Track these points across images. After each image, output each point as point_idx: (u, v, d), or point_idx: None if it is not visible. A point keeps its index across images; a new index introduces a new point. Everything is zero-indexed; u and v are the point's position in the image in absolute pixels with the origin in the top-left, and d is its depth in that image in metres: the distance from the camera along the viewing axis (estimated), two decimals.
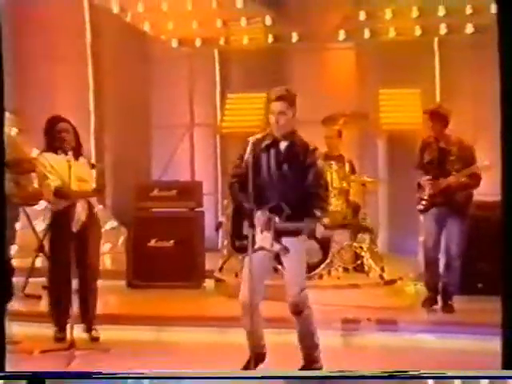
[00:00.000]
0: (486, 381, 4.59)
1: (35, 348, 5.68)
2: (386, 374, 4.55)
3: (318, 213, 4.69)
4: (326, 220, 4.89)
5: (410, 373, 4.60)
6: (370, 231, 7.97)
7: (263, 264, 4.81)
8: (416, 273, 7.49)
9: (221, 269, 8.02)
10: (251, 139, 4.73)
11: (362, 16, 9.20)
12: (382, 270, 7.72)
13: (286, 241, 4.74)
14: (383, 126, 9.48)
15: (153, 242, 7.93)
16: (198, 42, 9.79)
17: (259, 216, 4.72)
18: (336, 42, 9.64)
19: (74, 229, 5.75)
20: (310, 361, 4.92)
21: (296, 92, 10.03)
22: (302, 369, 4.92)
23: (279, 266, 5.08)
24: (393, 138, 9.60)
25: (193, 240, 7.95)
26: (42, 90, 9.90)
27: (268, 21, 9.44)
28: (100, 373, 4.65)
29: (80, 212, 5.84)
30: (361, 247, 7.84)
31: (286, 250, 4.75)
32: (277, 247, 4.73)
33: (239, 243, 4.88)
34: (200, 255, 8.03)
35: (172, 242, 7.91)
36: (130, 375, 4.60)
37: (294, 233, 4.71)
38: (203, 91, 10.22)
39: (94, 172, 6.14)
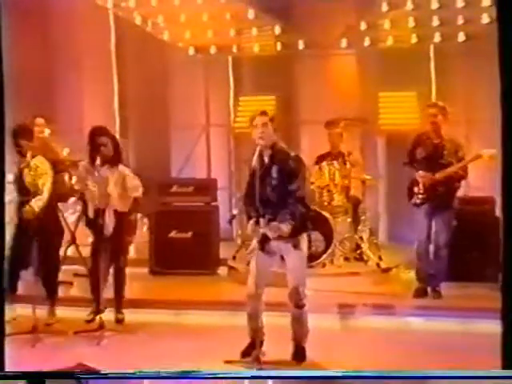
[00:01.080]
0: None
1: (69, 329, 6.00)
2: (386, 374, 4.62)
3: (295, 216, 4.94)
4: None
5: (410, 373, 4.66)
6: (367, 223, 8.15)
7: (266, 262, 5.11)
8: (410, 261, 7.46)
9: (234, 257, 8.18)
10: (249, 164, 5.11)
11: (363, 26, 9.16)
12: (380, 258, 7.83)
13: (287, 245, 5.03)
14: (382, 127, 9.47)
15: (173, 234, 8.08)
16: (212, 50, 9.77)
17: (249, 226, 5.09)
18: (339, 50, 9.58)
19: (106, 233, 6.07)
20: (299, 350, 5.21)
21: (302, 94, 10.07)
22: (293, 357, 5.19)
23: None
24: (392, 138, 9.53)
25: (209, 231, 8.09)
26: (72, 95, 10.04)
27: (277, 30, 9.42)
28: (99, 373, 4.80)
29: (108, 220, 6.10)
30: (361, 238, 7.95)
31: (267, 252, 5.04)
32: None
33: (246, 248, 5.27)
34: (215, 245, 8.18)
35: (190, 233, 8.05)
36: (130, 375, 4.68)
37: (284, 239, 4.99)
38: (218, 94, 10.20)
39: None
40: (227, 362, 5.14)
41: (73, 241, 7.65)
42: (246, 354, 5.19)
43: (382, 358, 5.34)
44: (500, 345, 4.49)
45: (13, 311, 6.25)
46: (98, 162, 5.99)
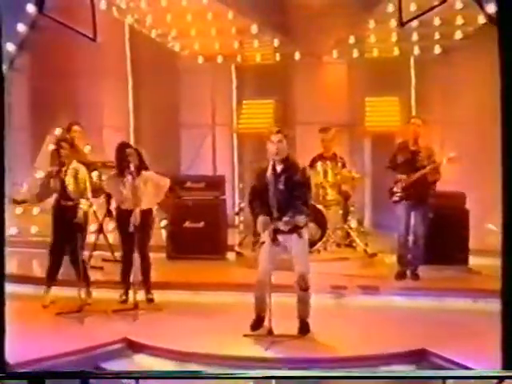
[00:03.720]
0: None
1: (107, 308, 6.53)
2: (383, 374, 4.92)
3: (303, 214, 5.59)
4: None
5: (406, 373, 4.98)
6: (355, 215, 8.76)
7: (274, 251, 5.70)
8: (393, 247, 7.89)
9: (240, 244, 8.72)
10: (257, 169, 5.70)
11: (352, 39, 9.76)
12: (366, 245, 8.36)
13: (292, 237, 5.63)
14: (368, 128, 10.04)
15: (187, 223, 8.57)
16: (219, 59, 10.30)
17: (260, 220, 5.60)
18: (331, 59, 10.14)
19: (131, 229, 6.61)
20: (304, 325, 5.77)
21: (298, 98, 10.62)
22: (299, 330, 5.72)
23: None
24: (376, 138, 10.12)
25: (218, 221, 8.60)
26: (92, 99, 10.40)
27: (276, 43, 10.00)
28: (99, 373, 5.06)
29: (134, 217, 6.65)
30: (350, 227, 8.51)
31: (277, 243, 5.63)
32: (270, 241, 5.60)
33: (254, 239, 5.87)
34: (223, 233, 8.69)
35: (202, 223, 8.54)
36: (129, 375, 4.88)
37: (291, 231, 5.59)
38: (223, 98, 10.72)
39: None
40: (246, 335, 5.72)
41: (101, 230, 8.26)
42: (254, 327, 5.82)
43: (370, 330, 5.93)
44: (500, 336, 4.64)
45: (51, 295, 6.88)
46: (130, 170, 6.63)
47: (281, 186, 5.59)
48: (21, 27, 5.45)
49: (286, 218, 5.54)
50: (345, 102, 10.20)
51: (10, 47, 5.29)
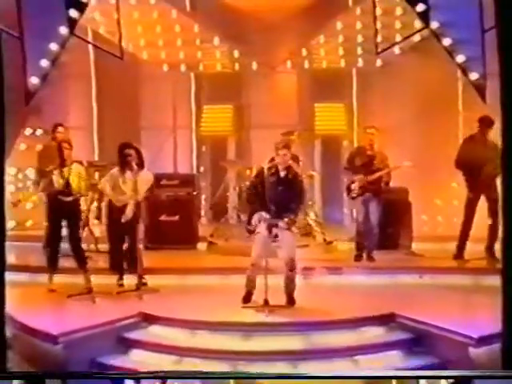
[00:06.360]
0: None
1: (111, 290, 7.43)
2: (379, 375, 5.33)
3: (295, 213, 6.86)
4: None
5: (406, 373, 5.36)
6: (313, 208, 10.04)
7: (265, 241, 6.85)
8: (347, 236, 9.24)
9: (212, 235, 9.75)
10: (265, 166, 6.90)
11: (304, 52, 10.95)
12: (324, 234, 9.56)
13: (284, 231, 6.79)
14: (318, 131, 11.27)
15: (163, 217, 9.50)
16: (182, 68, 11.27)
17: (256, 214, 6.78)
18: (284, 69, 11.27)
19: (123, 220, 7.60)
20: (291, 298, 6.89)
21: (254, 104, 11.82)
22: (287, 303, 6.82)
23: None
24: (325, 140, 11.37)
25: (191, 215, 9.62)
26: (57, 100, 10.93)
27: (236, 54, 11.04)
28: (99, 373, 5.53)
29: (129, 211, 7.63)
30: (310, 219, 9.71)
31: (272, 235, 6.74)
32: (266, 232, 6.76)
33: (247, 228, 7.04)
34: (195, 226, 9.73)
35: (177, 216, 9.48)
36: (128, 375, 5.38)
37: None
38: (184, 103, 11.64)
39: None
40: (244, 307, 6.80)
41: (87, 223, 9.09)
42: (245, 300, 6.92)
43: (340, 301, 7.11)
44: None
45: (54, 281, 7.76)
46: (132, 167, 7.60)
47: (281, 189, 6.78)
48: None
49: (286, 219, 6.73)
50: (296, 107, 11.29)
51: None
